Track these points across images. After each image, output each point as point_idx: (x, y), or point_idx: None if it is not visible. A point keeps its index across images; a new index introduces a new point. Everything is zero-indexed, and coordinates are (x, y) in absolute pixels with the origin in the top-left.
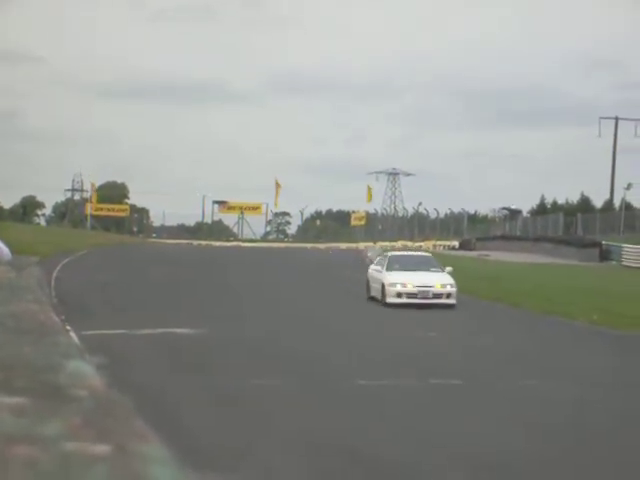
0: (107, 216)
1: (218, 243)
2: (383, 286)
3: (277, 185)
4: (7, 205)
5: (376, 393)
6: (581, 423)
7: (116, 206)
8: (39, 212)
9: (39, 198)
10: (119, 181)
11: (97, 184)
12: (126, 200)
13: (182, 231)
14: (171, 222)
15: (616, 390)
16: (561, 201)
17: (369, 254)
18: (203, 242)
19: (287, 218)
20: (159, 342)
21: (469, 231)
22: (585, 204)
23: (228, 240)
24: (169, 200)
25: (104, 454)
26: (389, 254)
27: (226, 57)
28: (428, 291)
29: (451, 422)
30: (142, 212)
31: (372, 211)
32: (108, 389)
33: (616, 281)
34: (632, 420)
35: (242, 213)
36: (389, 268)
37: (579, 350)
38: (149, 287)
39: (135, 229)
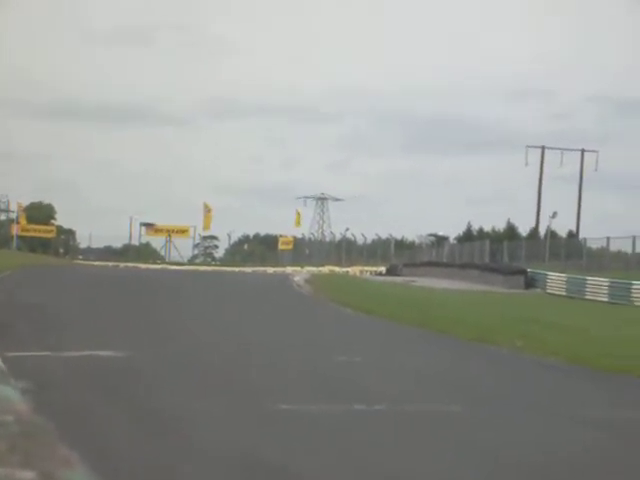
0: (33, 237)
1: (145, 265)
2: None
3: (206, 208)
4: None
5: (300, 417)
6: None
7: (42, 227)
8: None
9: None
10: (45, 202)
11: (23, 205)
12: (52, 221)
13: (109, 253)
14: (98, 244)
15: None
16: (487, 228)
17: (296, 278)
18: (130, 264)
19: (215, 242)
20: (83, 365)
21: (396, 257)
22: (511, 231)
23: (155, 263)
24: (96, 222)
25: None
26: None
27: (159, 80)
28: None
29: (373, 447)
30: (69, 233)
31: (300, 236)
32: (33, 414)
33: (541, 309)
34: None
35: (169, 236)
36: None
37: (503, 376)
38: (74, 308)
39: (62, 250)
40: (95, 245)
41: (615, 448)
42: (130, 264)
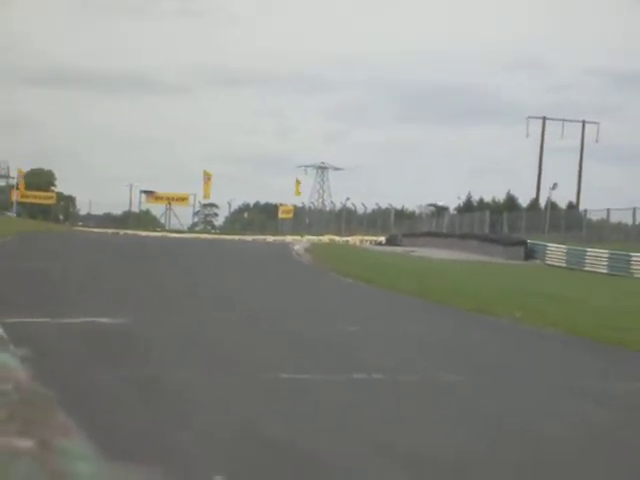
0: (33, 203)
1: (144, 233)
2: None
3: (206, 176)
4: None
5: (299, 386)
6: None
7: (42, 193)
8: None
9: None
10: (46, 168)
11: (24, 171)
12: (53, 188)
13: (109, 220)
14: (98, 211)
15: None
16: (487, 199)
17: (296, 247)
18: (129, 231)
19: (214, 210)
20: (82, 331)
21: (396, 227)
22: (511, 203)
23: (155, 230)
24: (96, 189)
25: (27, 449)
26: None
27: (159, 48)
28: None
29: (372, 416)
30: (69, 200)
31: (300, 205)
32: (33, 382)
33: (540, 280)
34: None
35: (169, 203)
36: None
37: (502, 346)
38: (74, 275)
39: (61, 217)
40: (95, 212)
41: (612, 420)
42: (130, 231)
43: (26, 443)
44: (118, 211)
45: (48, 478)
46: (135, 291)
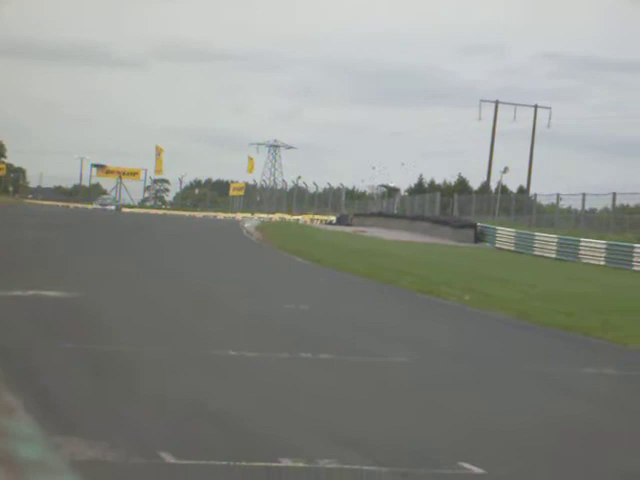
0: None
1: (93, 206)
2: None
3: (158, 151)
4: None
5: (246, 364)
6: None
7: None
8: None
9: None
10: None
11: None
12: (2, 159)
13: (59, 193)
14: (48, 184)
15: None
16: (439, 181)
17: (246, 225)
18: (79, 205)
19: (166, 185)
20: (29, 305)
21: (347, 207)
22: (462, 185)
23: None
24: (47, 161)
25: None
26: None
27: (112, 22)
28: None
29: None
30: (19, 172)
31: (252, 182)
32: None
33: (489, 262)
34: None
35: (120, 178)
36: None
37: (448, 328)
38: (20, 248)
39: (11, 189)
40: (46, 185)
41: (552, 397)
42: (79, 205)
43: None
44: (69, 184)
45: None
46: (82, 266)
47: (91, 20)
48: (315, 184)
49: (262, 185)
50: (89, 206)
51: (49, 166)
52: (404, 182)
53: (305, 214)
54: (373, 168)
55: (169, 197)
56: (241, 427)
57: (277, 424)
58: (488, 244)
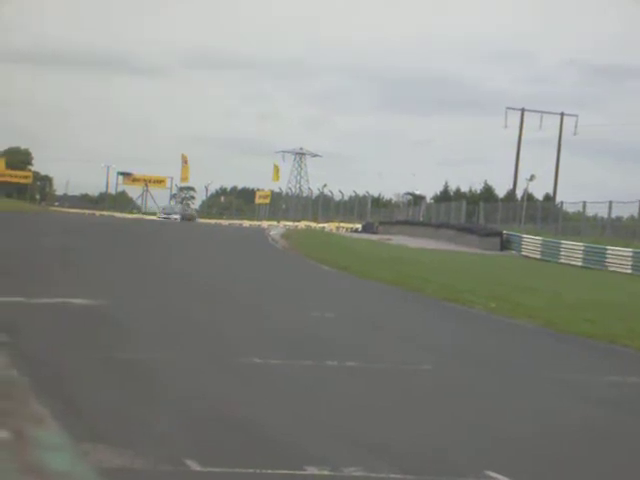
0: (9, 182)
1: (120, 214)
2: None
3: (184, 159)
4: None
5: (272, 372)
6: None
7: (19, 172)
8: None
9: None
10: (23, 147)
11: (0, 149)
12: (29, 167)
13: (85, 201)
14: (75, 192)
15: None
16: (464, 189)
17: (272, 232)
18: (106, 213)
19: (192, 193)
20: (57, 312)
21: (373, 214)
22: (488, 193)
23: (131, 212)
24: (74, 169)
25: (1, 440)
26: None
27: (136, 30)
28: None
29: (338, 402)
30: (46, 180)
31: (277, 190)
32: (7, 369)
33: (516, 270)
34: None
35: (146, 186)
36: None
37: (474, 335)
38: (49, 254)
39: (37, 197)
40: (72, 193)
41: (574, 405)
42: (106, 213)
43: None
44: (95, 192)
45: (21, 470)
46: (109, 274)
47: (116, 27)
48: (341, 192)
49: (288, 193)
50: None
51: (76, 174)
52: (430, 190)
53: (331, 222)
54: (413, 175)
55: (195, 205)
56: (266, 435)
57: (301, 432)
58: (514, 252)
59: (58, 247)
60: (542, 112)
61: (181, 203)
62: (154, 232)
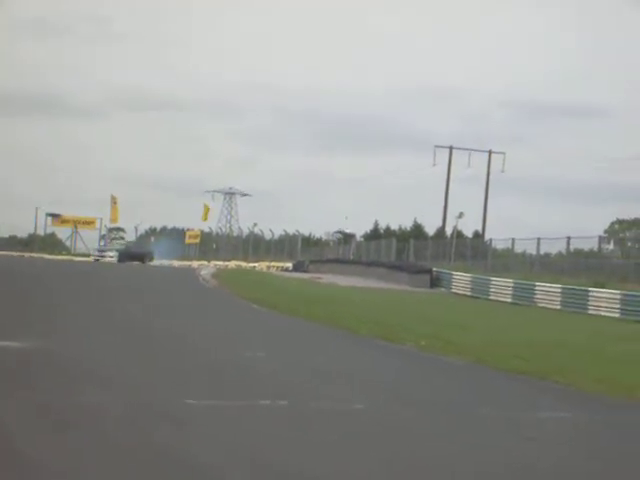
0: None
1: (49, 256)
2: None
3: (113, 200)
4: None
5: (204, 412)
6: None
7: None
8: None
9: None
10: None
11: None
12: None
13: (14, 243)
14: (3, 233)
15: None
16: (394, 227)
17: (202, 272)
18: (35, 255)
19: (121, 233)
20: None
21: (303, 253)
22: (418, 231)
23: (61, 254)
24: (1, 211)
25: None
26: None
27: (66, 71)
28: None
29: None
30: None
31: (207, 230)
32: None
33: (445, 308)
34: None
35: (75, 227)
36: None
37: (405, 373)
38: None
39: None
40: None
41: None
42: (35, 254)
43: None
44: (24, 234)
45: None
46: (30, 317)
47: (41, 70)
48: (271, 231)
49: (218, 232)
50: (48, 256)
51: (2, 216)
52: (360, 228)
53: (261, 261)
54: (346, 218)
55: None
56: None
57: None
58: (444, 289)
59: None
60: (470, 150)
61: (122, 238)
62: (84, 275)
